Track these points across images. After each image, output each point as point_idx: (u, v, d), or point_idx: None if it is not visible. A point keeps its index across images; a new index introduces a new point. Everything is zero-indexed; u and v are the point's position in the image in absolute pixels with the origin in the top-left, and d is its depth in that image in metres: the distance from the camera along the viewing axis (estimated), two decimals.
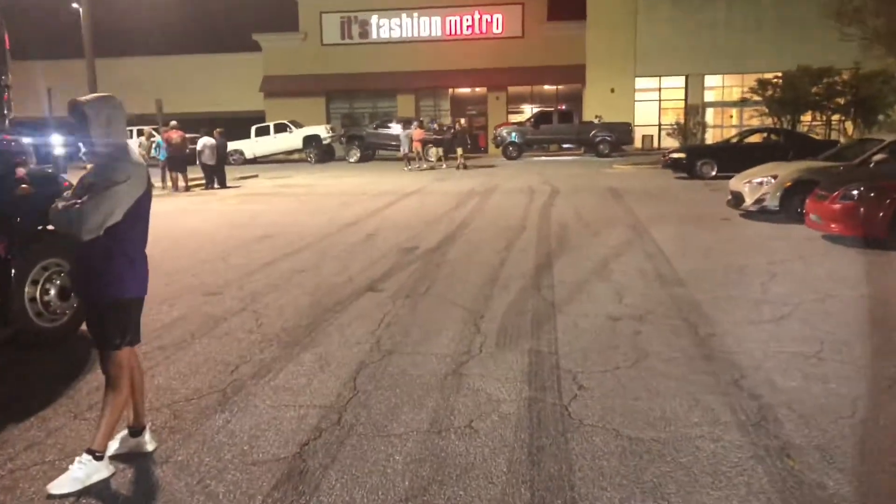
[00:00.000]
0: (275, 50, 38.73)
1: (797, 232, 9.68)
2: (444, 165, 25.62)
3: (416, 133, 26.37)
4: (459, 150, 25.68)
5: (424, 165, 25.74)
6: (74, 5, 52.83)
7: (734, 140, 20.28)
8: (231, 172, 24.44)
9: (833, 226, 8.73)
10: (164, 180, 20.02)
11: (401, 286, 6.96)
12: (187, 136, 20.22)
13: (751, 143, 19.21)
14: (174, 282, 7.44)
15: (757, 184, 11.20)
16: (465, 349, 4.99)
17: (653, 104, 36.47)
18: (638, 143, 33.80)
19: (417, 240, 9.85)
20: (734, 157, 18.51)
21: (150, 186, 3.31)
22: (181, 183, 19.43)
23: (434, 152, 26.14)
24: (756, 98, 26.47)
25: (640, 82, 35.80)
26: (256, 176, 24.59)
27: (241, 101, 38.98)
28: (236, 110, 38.02)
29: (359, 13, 38.02)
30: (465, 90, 38.93)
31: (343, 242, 9.82)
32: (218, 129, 20.47)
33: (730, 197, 12.08)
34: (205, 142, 19.65)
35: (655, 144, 35.27)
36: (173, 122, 20.33)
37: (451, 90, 38.72)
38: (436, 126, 27.51)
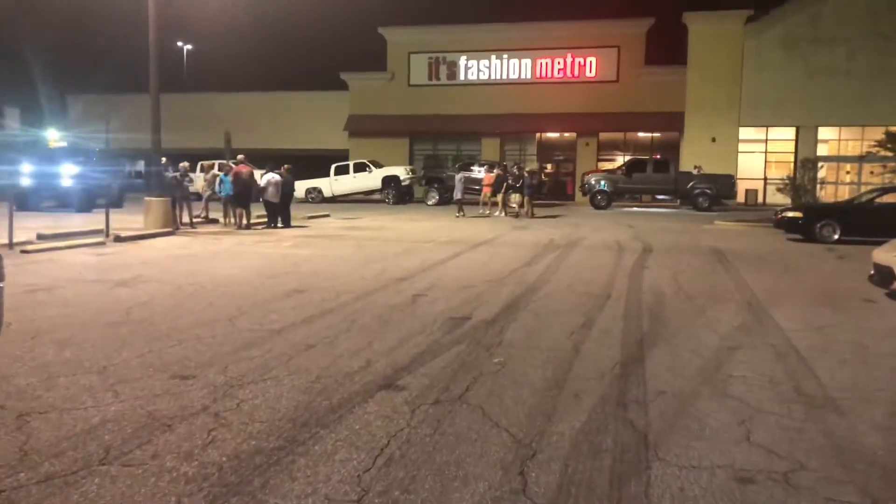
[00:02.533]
0: (361, 89, 38.28)
1: None
2: (501, 213, 23.58)
3: (486, 178, 24.54)
4: (517, 197, 23.57)
5: (497, 213, 23.78)
6: (179, 43, 54.89)
7: (863, 199, 17.44)
8: (304, 210, 23.48)
9: None
10: (225, 216, 19.07)
11: (430, 382, 5.07)
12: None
13: (884, 204, 16.38)
14: (150, 352, 5.82)
15: None
16: None
17: (758, 156, 33.52)
18: (741, 198, 30.91)
19: (472, 306, 7.97)
20: (863, 219, 15.96)
21: None
22: (244, 220, 18.33)
23: (500, 199, 24.04)
24: (884, 153, 23.40)
25: (745, 132, 32.98)
26: (328, 216, 23.45)
27: (326, 140, 38.55)
28: (321, 148, 37.57)
29: (447, 54, 37.10)
30: (554, 135, 37.16)
31: (382, 305, 8.05)
32: (286, 166, 19.38)
33: (873, 272, 9.64)
34: (269, 178, 18.55)
35: (760, 199, 32.26)
36: (240, 156, 19.42)
37: (538, 135, 37.02)
38: (503, 171, 25.41)
